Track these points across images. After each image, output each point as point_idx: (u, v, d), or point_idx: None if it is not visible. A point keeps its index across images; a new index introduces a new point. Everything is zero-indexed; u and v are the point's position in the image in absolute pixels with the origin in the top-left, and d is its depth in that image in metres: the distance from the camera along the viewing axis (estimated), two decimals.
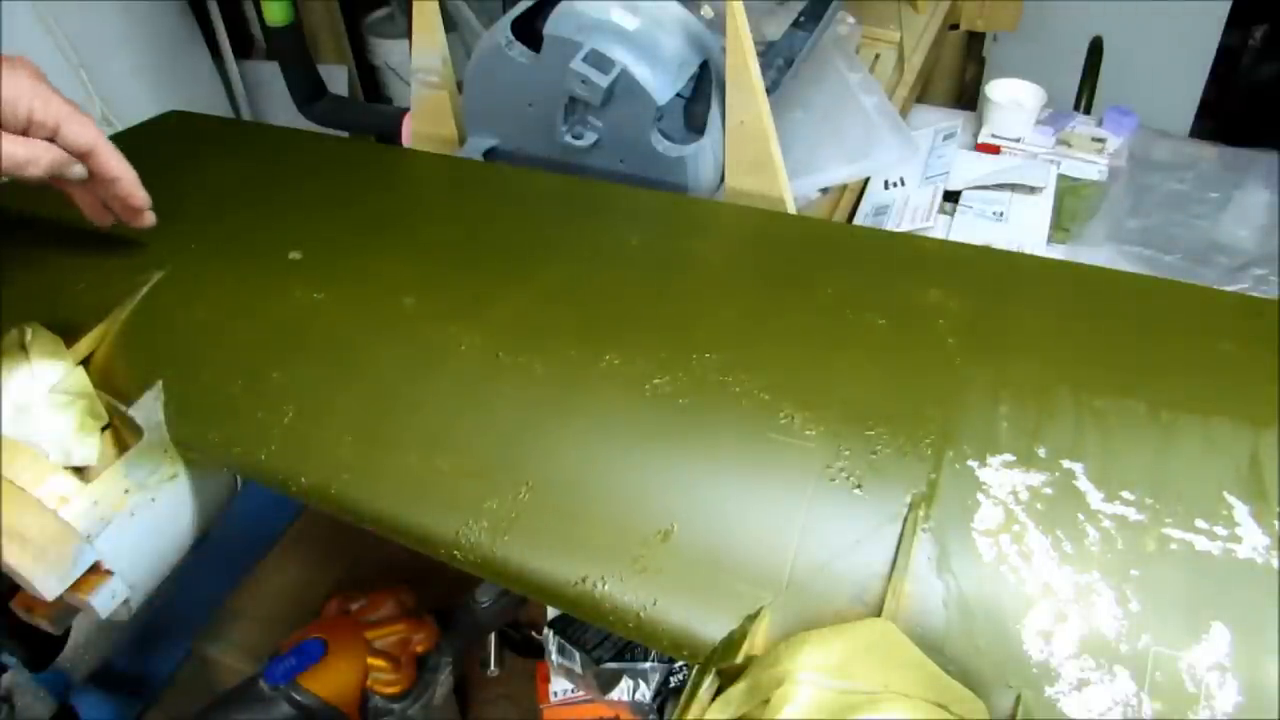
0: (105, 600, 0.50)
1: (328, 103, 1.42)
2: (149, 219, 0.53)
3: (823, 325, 0.50)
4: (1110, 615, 0.36)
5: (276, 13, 1.31)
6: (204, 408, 0.51)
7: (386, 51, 1.81)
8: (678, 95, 0.68)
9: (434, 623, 0.78)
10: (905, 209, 0.96)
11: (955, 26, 1.28)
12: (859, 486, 0.41)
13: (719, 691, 0.35)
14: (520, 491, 0.44)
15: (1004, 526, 0.39)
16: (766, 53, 0.77)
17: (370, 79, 1.88)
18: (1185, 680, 0.34)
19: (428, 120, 0.80)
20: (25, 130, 0.44)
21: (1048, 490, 0.40)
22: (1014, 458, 0.41)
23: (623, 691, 0.72)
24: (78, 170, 0.47)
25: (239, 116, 1.63)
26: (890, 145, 0.78)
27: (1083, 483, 0.40)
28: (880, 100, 0.82)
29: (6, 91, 0.43)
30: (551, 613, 0.75)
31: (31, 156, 0.45)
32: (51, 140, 0.45)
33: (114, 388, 0.52)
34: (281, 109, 1.50)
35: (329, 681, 0.70)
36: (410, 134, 0.83)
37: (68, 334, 0.53)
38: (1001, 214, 0.96)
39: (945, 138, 1.07)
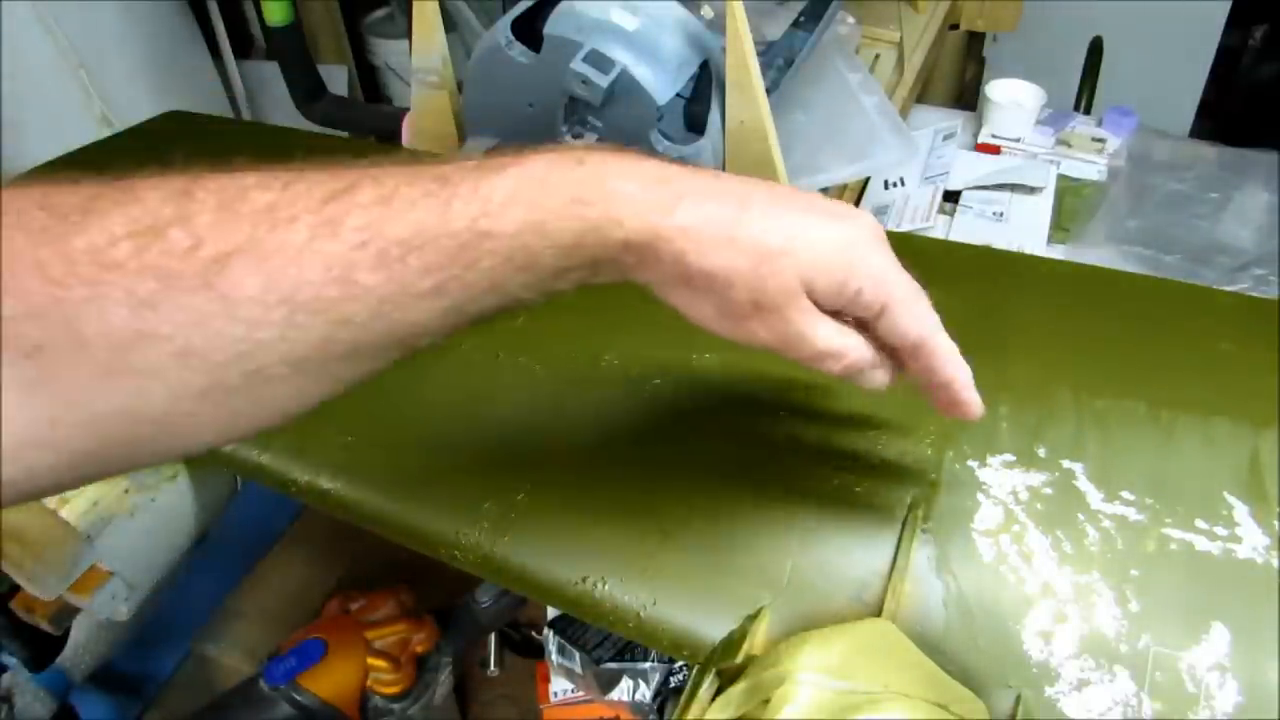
0: (105, 600, 0.50)
1: (328, 103, 1.42)
2: (975, 414, 0.36)
3: None
4: (1110, 615, 0.36)
5: (276, 13, 1.31)
6: None
7: (386, 51, 1.81)
8: (678, 95, 0.68)
9: (434, 623, 0.78)
10: (905, 209, 0.96)
11: (955, 26, 1.28)
12: (859, 486, 0.41)
13: (719, 691, 0.35)
14: (520, 492, 0.44)
15: (1004, 526, 0.39)
16: (766, 53, 0.76)
17: (370, 79, 1.88)
18: (1185, 680, 0.34)
19: (428, 120, 0.80)
20: (840, 309, 0.33)
21: (1048, 490, 0.40)
22: (1014, 458, 0.41)
23: (623, 691, 0.72)
24: (878, 378, 0.35)
25: (239, 116, 1.63)
26: (890, 145, 0.78)
27: (1083, 483, 0.40)
28: (880, 100, 0.82)
29: (839, 268, 0.32)
30: (551, 613, 0.75)
31: (836, 350, 0.33)
32: (870, 322, 0.33)
33: None
34: (281, 109, 1.50)
35: (329, 681, 0.70)
36: (410, 134, 0.83)
37: None
38: (1001, 214, 0.96)
39: (945, 138, 1.07)
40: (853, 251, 0.32)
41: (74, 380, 0.23)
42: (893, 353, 0.34)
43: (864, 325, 0.34)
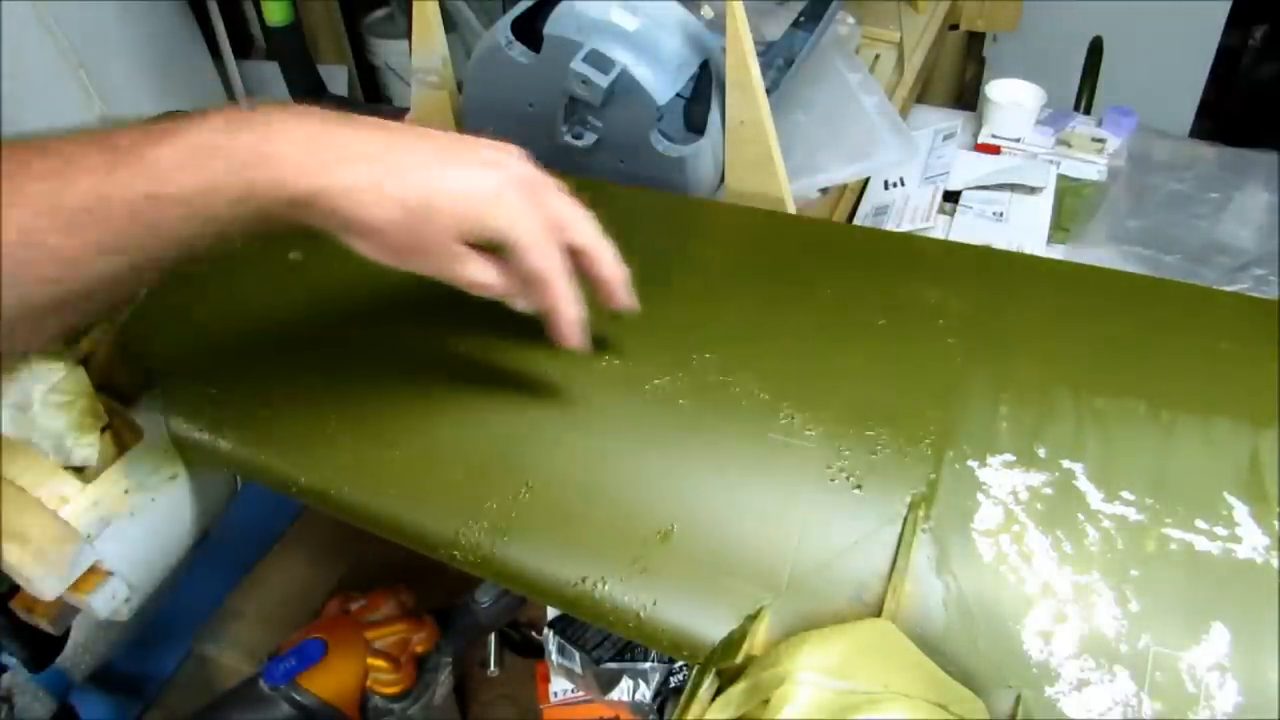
0: (105, 600, 0.50)
1: (328, 103, 1.42)
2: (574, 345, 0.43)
3: (823, 325, 0.50)
4: (1110, 615, 0.36)
5: (276, 13, 1.31)
6: (204, 408, 0.51)
7: (386, 51, 1.81)
8: (678, 95, 0.68)
9: (434, 623, 0.78)
10: (905, 209, 0.96)
11: (955, 26, 1.28)
12: (859, 486, 0.41)
13: (719, 691, 0.35)
14: (520, 491, 0.44)
15: (1004, 526, 0.39)
16: (766, 53, 0.76)
17: (370, 79, 1.88)
18: (1185, 680, 0.34)
19: (428, 120, 0.80)
20: (486, 244, 0.39)
21: (1048, 490, 0.40)
22: (1014, 458, 0.41)
23: (623, 691, 0.72)
24: (520, 305, 0.41)
25: None
26: (890, 145, 0.78)
27: (1083, 483, 0.40)
28: (880, 100, 0.82)
29: (478, 215, 0.38)
30: (551, 613, 0.75)
31: (482, 284, 0.40)
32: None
33: (114, 388, 0.52)
34: None
35: (329, 681, 0.70)
36: None
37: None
38: (1001, 214, 0.96)
39: (945, 138, 1.07)
40: (492, 200, 0.38)
41: None
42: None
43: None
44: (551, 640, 0.75)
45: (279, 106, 0.36)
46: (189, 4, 1.52)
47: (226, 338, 0.54)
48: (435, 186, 0.37)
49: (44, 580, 0.46)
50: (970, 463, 0.41)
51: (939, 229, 0.94)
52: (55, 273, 0.31)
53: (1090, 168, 1.02)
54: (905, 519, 0.40)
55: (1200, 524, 0.38)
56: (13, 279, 0.30)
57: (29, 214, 0.30)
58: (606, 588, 0.41)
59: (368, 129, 0.37)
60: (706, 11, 0.85)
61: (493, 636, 0.85)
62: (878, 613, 0.37)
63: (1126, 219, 0.93)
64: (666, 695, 0.71)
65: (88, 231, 0.31)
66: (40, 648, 0.74)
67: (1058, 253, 0.92)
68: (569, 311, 0.41)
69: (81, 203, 0.31)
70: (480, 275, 0.40)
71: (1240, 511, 0.38)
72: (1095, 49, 1.38)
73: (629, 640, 0.61)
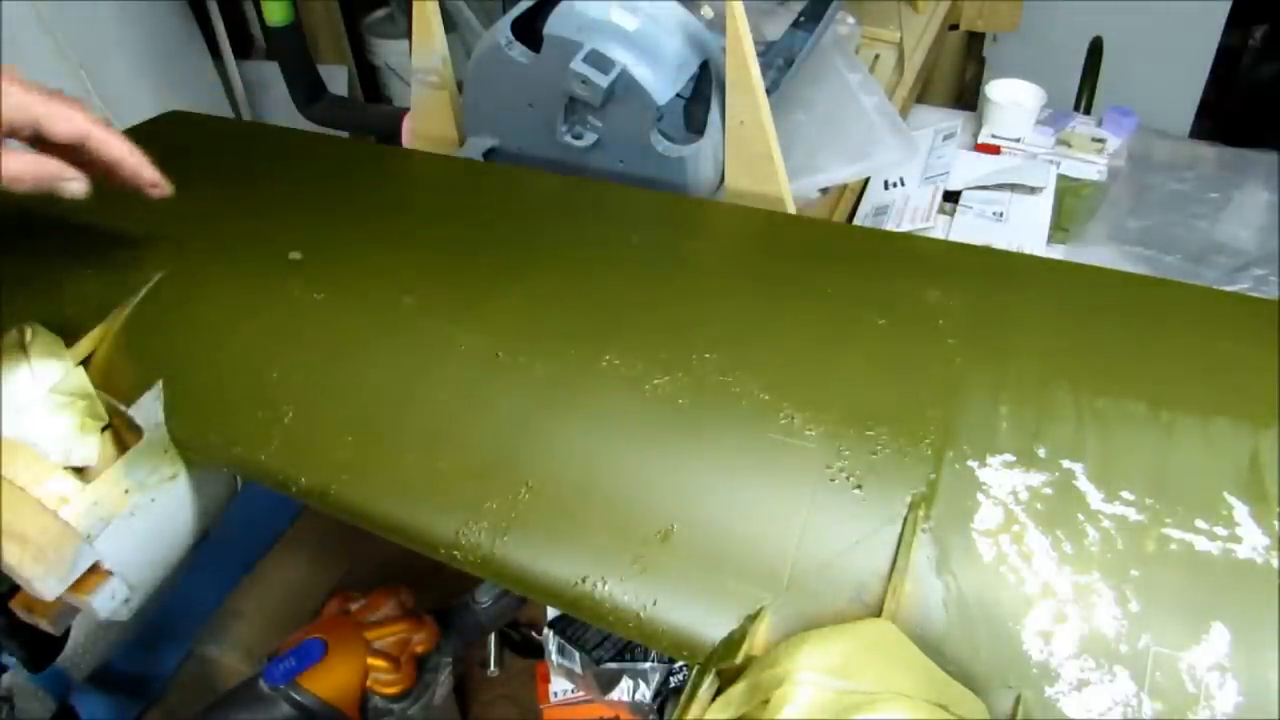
0: (105, 600, 0.50)
1: (328, 103, 1.42)
2: (163, 192, 0.48)
3: (823, 325, 0.50)
4: (1110, 615, 0.36)
5: (276, 13, 1.31)
6: (204, 408, 0.51)
7: (386, 51, 1.81)
8: (678, 95, 0.68)
9: (434, 623, 0.78)
10: (905, 209, 0.96)
11: (955, 26, 1.28)
12: (859, 486, 0.41)
13: (719, 691, 0.35)
14: (520, 491, 0.44)
15: (1004, 526, 0.39)
16: (766, 53, 0.77)
17: (370, 79, 1.88)
18: (1185, 680, 0.34)
19: (428, 120, 0.80)
20: (8, 137, 0.42)
21: (1048, 490, 0.40)
22: (1014, 458, 0.41)
23: (623, 691, 0.72)
24: (73, 189, 0.44)
25: (239, 117, 1.63)
26: (890, 145, 0.78)
27: (1083, 483, 0.40)
28: (880, 100, 0.82)
29: None
30: (551, 613, 0.75)
31: (13, 175, 0.41)
32: (39, 141, 0.42)
33: (114, 388, 0.52)
34: (281, 109, 1.50)
35: (329, 682, 0.70)
36: (410, 134, 0.83)
37: (68, 334, 0.53)
38: (1001, 214, 0.96)
39: (945, 138, 1.07)
40: None
41: None
42: (86, 164, 0.42)
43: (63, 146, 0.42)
44: (551, 640, 0.75)
45: None
46: (189, 4, 1.52)
47: (227, 337, 0.54)
48: None
49: (44, 580, 0.46)
50: (970, 463, 0.41)
51: (939, 229, 0.94)
52: None
53: (1090, 168, 1.02)
54: (905, 519, 0.40)
55: (1200, 524, 0.38)
56: None
57: None
58: (606, 588, 0.41)
59: None
60: (706, 11, 0.85)
61: (493, 636, 0.85)
62: (878, 613, 0.37)
63: (1126, 219, 0.93)
64: (666, 695, 0.71)
65: None
66: (40, 648, 0.74)
67: (1058, 253, 0.92)
68: (129, 155, 0.43)
69: None
70: (10, 168, 0.41)
71: (1240, 511, 0.38)
72: (1095, 49, 1.38)
73: (629, 640, 0.61)
